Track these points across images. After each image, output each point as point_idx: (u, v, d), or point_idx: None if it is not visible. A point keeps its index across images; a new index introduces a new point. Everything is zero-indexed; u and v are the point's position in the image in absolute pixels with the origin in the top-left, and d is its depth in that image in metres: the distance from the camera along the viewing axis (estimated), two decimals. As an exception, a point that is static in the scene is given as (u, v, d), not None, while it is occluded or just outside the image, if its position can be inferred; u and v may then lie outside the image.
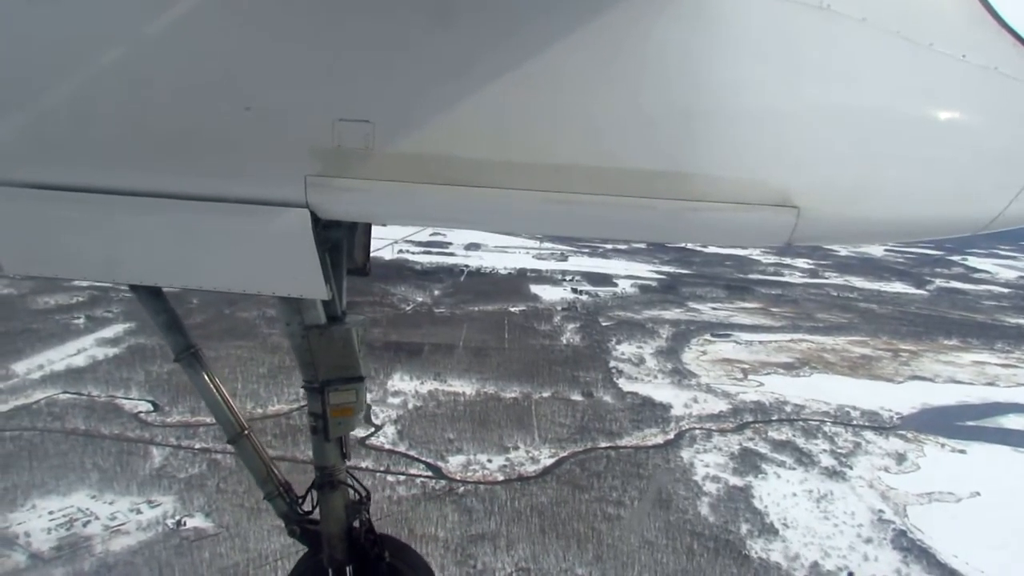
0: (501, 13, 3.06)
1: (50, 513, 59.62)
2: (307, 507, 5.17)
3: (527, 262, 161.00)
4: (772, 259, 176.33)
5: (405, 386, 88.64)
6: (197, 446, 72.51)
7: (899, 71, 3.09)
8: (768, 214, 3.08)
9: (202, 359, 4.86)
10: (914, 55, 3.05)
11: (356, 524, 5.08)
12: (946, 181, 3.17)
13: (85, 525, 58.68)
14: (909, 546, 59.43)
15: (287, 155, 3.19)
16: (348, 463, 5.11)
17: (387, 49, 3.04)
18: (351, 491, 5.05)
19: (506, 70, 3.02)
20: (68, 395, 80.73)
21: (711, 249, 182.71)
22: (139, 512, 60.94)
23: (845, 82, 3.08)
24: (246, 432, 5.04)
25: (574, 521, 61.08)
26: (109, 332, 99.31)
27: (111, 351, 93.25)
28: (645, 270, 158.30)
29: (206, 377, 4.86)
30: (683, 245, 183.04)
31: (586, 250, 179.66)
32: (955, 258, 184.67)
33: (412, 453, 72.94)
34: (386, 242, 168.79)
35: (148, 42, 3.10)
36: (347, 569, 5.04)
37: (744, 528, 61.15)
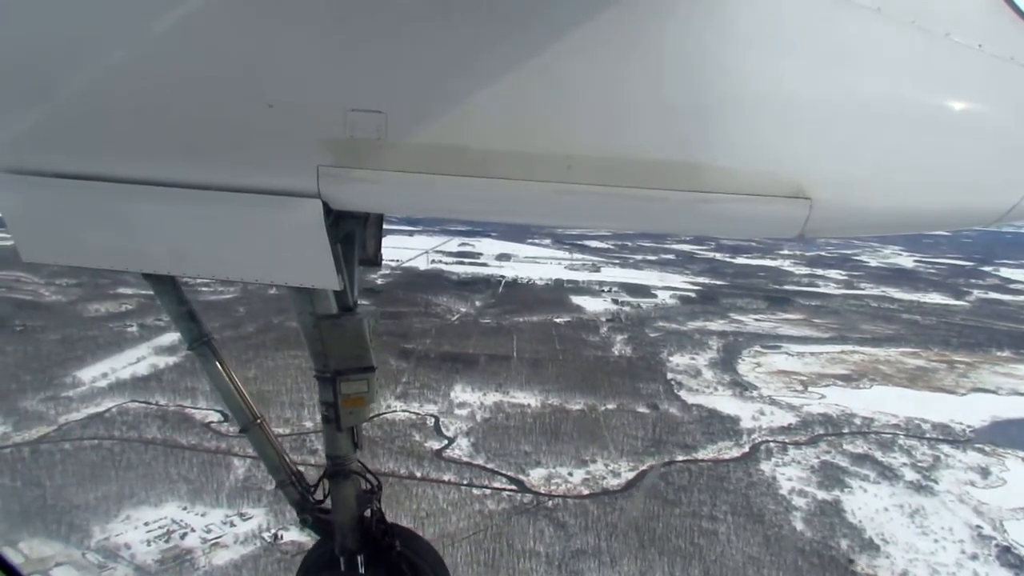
0: (515, 3, 3.02)
1: (145, 524, 59.27)
2: (319, 496, 5.05)
3: (561, 273, 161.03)
4: (804, 270, 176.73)
5: (469, 397, 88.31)
6: (276, 458, 71.89)
7: (914, 61, 3.04)
8: (781, 206, 3.01)
9: (215, 348, 4.81)
10: (930, 45, 3.00)
11: (367, 513, 4.99)
12: (961, 173, 3.12)
13: (183, 537, 58.31)
14: (1017, 563, 59.01)
15: (299, 145, 3.15)
16: (360, 453, 4.97)
17: (400, 39, 2.99)
18: (363, 481, 4.94)
19: (519, 61, 2.97)
20: (137, 404, 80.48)
21: (741, 260, 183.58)
22: (233, 525, 60.50)
23: (859, 72, 3.02)
24: (259, 421, 4.96)
25: (672, 536, 60.73)
26: (164, 340, 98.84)
27: (170, 360, 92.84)
28: (680, 281, 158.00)
29: (219, 366, 4.82)
30: (714, 256, 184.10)
31: (617, 261, 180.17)
32: (987, 269, 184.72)
33: (491, 466, 72.54)
34: (417, 252, 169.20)
35: (163, 32, 3.04)
36: (358, 558, 4.97)
37: (844, 544, 60.78)
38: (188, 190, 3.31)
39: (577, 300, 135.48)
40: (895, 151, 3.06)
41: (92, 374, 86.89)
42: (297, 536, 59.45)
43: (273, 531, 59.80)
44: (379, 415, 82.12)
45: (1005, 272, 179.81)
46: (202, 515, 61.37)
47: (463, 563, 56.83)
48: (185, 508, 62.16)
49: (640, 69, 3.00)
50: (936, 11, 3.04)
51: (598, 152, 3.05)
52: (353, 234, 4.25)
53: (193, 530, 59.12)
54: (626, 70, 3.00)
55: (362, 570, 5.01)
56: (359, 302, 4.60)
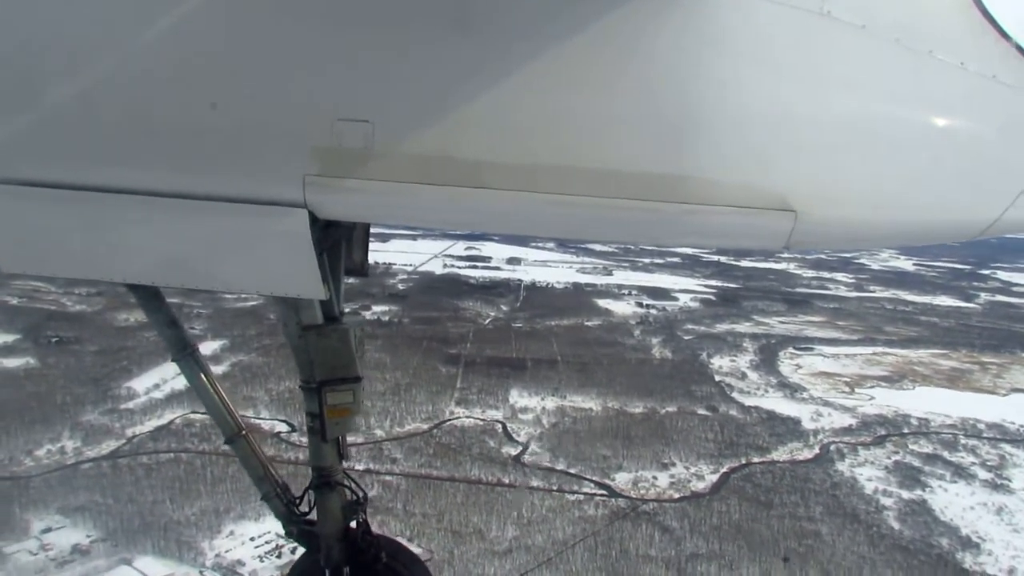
0: (502, 15, 3.06)
1: (252, 540, 57.82)
2: (305, 508, 5.12)
3: (575, 276, 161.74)
4: (811, 272, 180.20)
5: (528, 402, 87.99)
6: (359, 467, 70.85)
7: (898, 78, 3.14)
8: (766, 218, 3.09)
9: (200, 359, 4.91)
10: (913, 62, 3.09)
11: (353, 525, 5.06)
12: (943, 187, 3.22)
13: (293, 552, 56.29)
14: (1113, 557, 60.78)
15: (286, 155, 3.17)
16: (345, 463, 5.07)
17: (388, 49, 3.04)
18: (348, 492, 5.02)
19: (506, 72, 3.04)
20: (200, 415, 77.92)
21: (747, 263, 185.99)
22: (338, 537, 59.18)
23: (844, 88, 3.12)
24: (244, 432, 5.03)
25: (779, 538, 61.15)
26: (205, 350, 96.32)
27: (218, 369, 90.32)
28: (694, 284, 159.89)
29: (204, 377, 4.90)
30: (719, 259, 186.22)
31: (626, 264, 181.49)
32: (985, 272, 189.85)
33: (573, 471, 72.36)
34: (427, 256, 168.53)
35: (146, 39, 3.06)
36: (344, 570, 5.02)
37: (945, 542, 61.86)
38: (172, 199, 3.27)
39: (601, 303, 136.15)
40: (879, 166, 3.12)
41: (144, 385, 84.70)
42: (408, 547, 58.67)
43: (382, 542, 58.77)
44: (445, 421, 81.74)
45: (1003, 276, 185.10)
46: (306, 527, 60.00)
47: (590, 570, 56.66)
48: (286, 521, 60.71)
49: (628, 82, 3.04)
50: (920, 29, 3.10)
51: (586, 163, 3.07)
52: (339, 244, 4.27)
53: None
54: (615, 83, 3.04)
55: None
56: (344, 311, 4.57)
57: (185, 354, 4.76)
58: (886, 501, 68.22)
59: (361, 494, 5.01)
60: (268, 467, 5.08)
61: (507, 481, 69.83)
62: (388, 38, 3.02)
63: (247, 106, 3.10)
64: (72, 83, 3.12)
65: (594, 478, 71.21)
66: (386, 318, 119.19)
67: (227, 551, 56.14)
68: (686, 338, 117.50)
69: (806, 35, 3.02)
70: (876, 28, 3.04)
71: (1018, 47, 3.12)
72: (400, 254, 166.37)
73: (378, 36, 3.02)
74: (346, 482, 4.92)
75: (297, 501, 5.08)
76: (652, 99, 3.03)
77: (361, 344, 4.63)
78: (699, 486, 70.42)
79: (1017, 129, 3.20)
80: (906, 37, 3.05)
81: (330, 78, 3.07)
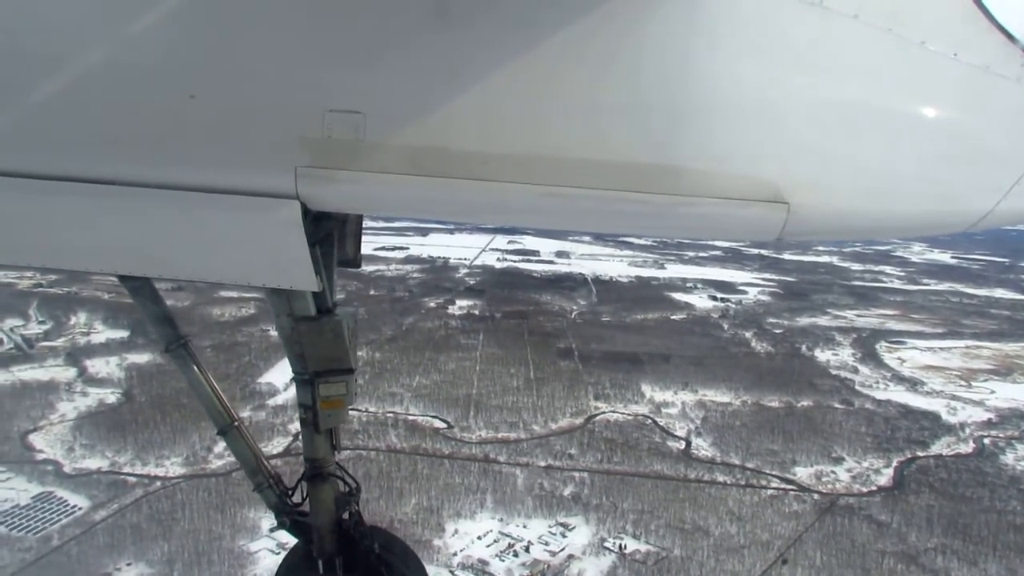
0: (494, 5, 3.06)
1: (479, 538, 56.43)
2: (298, 499, 5.28)
3: (631, 270, 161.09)
4: (858, 266, 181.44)
5: (665, 397, 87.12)
6: (541, 464, 69.31)
7: (891, 68, 3.16)
8: (759, 210, 3.11)
9: (191, 350, 4.98)
10: (906, 53, 3.11)
11: (346, 516, 5.21)
12: (936, 179, 3.26)
13: (527, 550, 55.30)
14: None
15: (277, 146, 3.16)
16: (338, 455, 5.22)
17: (379, 39, 3.02)
18: (341, 483, 5.16)
19: (500, 62, 3.03)
20: (353, 411, 75.20)
21: (789, 255, 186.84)
22: (564, 536, 57.81)
23: (837, 79, 3.14)
24: (236, 423, 5.15)
25: (998, 532, 60.89)
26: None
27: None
28: (753, 277, 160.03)
29: (196, 369, 4.99)
30: (760, 252, 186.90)
31: (672, 257, 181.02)
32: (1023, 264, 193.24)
33: (751, 466, 71.53)
34: (475, 250, 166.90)
35: (136, 29, 3.03)
36: (337, 560, 5.16)
37: None
38: (164, 191, 3.24)
39: (676, 297, 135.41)
40: (872, 157, 3.14)
41: (279, 380, 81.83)
42: (637, 544, 57.54)
43: (613, 541, 57.37)
44: (595, 416, 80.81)
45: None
46: (523, 527, 58.57)
47: (837, 565, 55.84)
48: (501, 520, 59.24)
49: (621, 73, 3.03)
50: (912, 19, 3.10)
51: (579, 155, 3.06)
52: (332, 235, 4.28)
53: (531, 543, 56.31)
54: (607, 74, 3.03)
55: (340, 572, 5.13)
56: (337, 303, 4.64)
57: (177, 346, 4.82)
58: (1072, 494, 68.55)
59: (354, 485, 5.11)
60: (261, 458, 5.19)
61: (692, 476, 68.81)
62: (380, 28, 2.98)
63: (238, 96, 3.07)
64: (63, 74, 3.05)
65: (775, 472, 70.40)
66: (476, 312, 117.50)
67: (461, 550, 54.58)
68: (776, 331, 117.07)
69: (798, 25, 3.02)
70: (868, 18, 3.02)
71: (1010, 37, 3.09)
72: (446, 248, 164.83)
73: (369, 26, 2.98)
74: (339, 473, 5.00)
75: (290, 492, 5.24)
76: (644, 90, 3.02)
77: (354, 336, 4.61)
78: (880, 480, 69.94)
79: (1010, 120, 3.21)
80: (898, 27, 3.04)
81: (321, 69, 3.04)
